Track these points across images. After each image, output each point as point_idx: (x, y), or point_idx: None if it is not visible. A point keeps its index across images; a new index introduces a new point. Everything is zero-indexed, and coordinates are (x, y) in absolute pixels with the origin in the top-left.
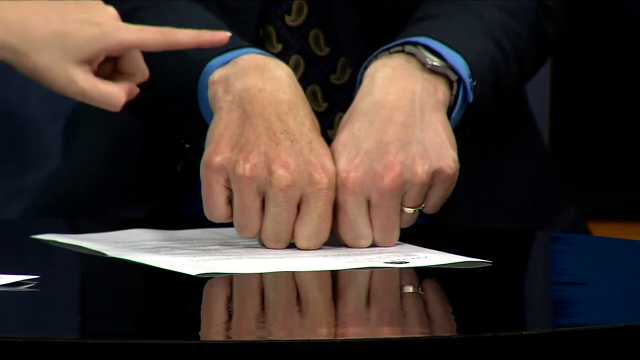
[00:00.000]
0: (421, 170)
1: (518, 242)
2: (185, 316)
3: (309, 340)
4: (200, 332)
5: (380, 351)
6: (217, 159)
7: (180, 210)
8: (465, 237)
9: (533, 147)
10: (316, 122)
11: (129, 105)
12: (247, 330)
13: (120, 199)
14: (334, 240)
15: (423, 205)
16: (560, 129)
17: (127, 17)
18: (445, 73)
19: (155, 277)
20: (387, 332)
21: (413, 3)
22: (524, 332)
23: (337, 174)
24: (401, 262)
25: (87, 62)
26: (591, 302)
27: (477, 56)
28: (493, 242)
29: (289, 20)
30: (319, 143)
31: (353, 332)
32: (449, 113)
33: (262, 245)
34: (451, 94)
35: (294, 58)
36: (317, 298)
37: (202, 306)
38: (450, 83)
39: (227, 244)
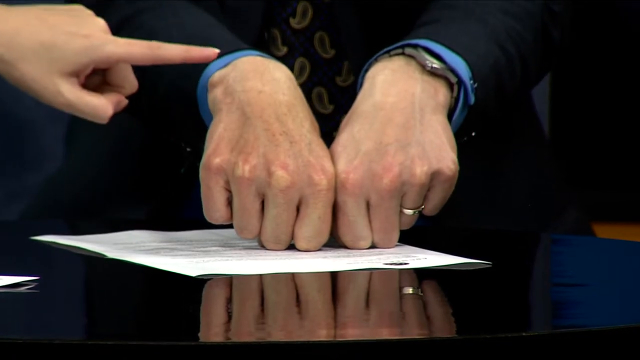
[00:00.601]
0: (420, 171)
1: (518, 243)
2: (184, 317)
3: (308, 341)
4: (199, 334)
5: (380, 352)
6: (216, 160)
7: (180, 211)
8: (465, 238)
9: (535, 148)
10: (315, 124)
11: (130, 108)
12: (246, 332)
13: (120, 201)
14: (334, 242)
15: (422, 207)
16: (561, 130)
17: (129, 21)
18: (445, 75)
19: (154, 278)
20: (386, 334)
21: (414, 5)
22: (523, 334)
23: (336, 175)
24: (401, 264)
25: (74, 74)
26: (591, 304)
27: (479, 59)
28: (493, 243)
29: (294, 22)
30: (318, 144)
31: (352, 333)
32: (450, 115)
33: (262, 246)
34: (452, 97)
35: (300, 61)
36: (317, 299)
37: (201, 307)
38: (450, 85)
39: (226, 245)
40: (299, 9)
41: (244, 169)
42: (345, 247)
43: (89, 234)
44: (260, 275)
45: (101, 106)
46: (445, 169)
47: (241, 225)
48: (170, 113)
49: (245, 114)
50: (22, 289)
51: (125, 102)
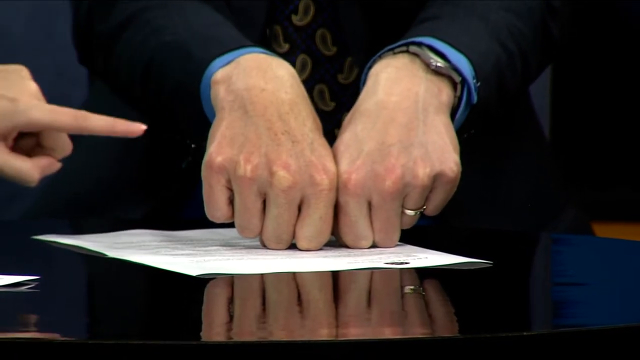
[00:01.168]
0: (423, 173)
1: (519, 243)
2: (186, 317)
3: (310, 340)
4: (201, 333)
5: (382, 352)
6: (219, 159)
7: (182, 210)
8: (466, 238)
9: (535, 147)
10: (318, 122)
11: (137, 105)
12: (248, 331)
13: (123, 199)
14: (335, 241)
15: (424, 207)
16: (561, 129)
17: (134, 18)
18: (449, 74)
19: (156, 277)
20: (388, 333)
21: (417, 2)
22: (524, 333)
23: (338, 175)
24: (402, 263)
25: (0, 137)
26: (591, 303)
27: (482, 57)
28: (494, 243)
29: (296, 19)
30: (321, 144)
31: (354, 332)
32: (453, 114)
33: (263, 246)
34: (455, 96)
35: (301, 58)
36: (318, 299)
37: (203, 307)
38: (454, 84)
39: (228, 244)
40: (301, 6)
41: (246, 169)
42: (346, 246)
43: (90, 234)
44: (262, 274)
45: (27, 170)
46: (447, 170)
47: (242, 225)
48: (174, 110)
49: (247, 112)
50: (23, 288)
51: (58, 165)
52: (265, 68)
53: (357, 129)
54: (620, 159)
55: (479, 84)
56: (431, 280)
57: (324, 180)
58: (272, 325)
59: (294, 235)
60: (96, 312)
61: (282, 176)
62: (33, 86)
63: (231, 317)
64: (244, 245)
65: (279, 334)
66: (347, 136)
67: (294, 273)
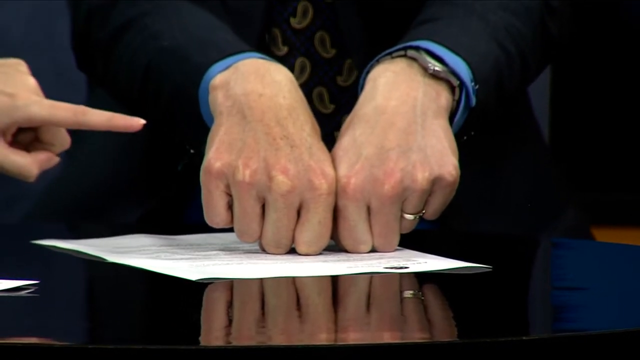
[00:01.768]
0: (422, 177)
1: (518, 247)
2: (185, 321)
3: (309, 345)
4: (200, 338)
5: (380, 356)
6: (217, 164)
7: (182, 214)
8: (465, 242)
9: (534, 149)
10: (316, 127)
11: (136, 110)
12: (247, 336)
13: (123, 203)
14: (334, 246)
15: (423, 211)
16: (561, 131)
17: (132, 23)
18: (447, 78)
19: (155, 282)
20: (387, 337)
21: (417, 3)
22: (524, 338)
23: (337, 180)
24: (401, 267)
25: None
26: (591, 307)
27: (480, 59)
28: (493, 247)
29: (295, 22)
30: (319, 148)
31: (353, 337)
32: (451, 118)
33: (263, 250)
34: (453, 99)
35: (300, 60)
36: (317, 303)
37: (202, 311)
38: (452, 88)
39: (227, 249)
40: (300, 8)
41: (245, 173)
42: (345, 251)
43: (90, 238)
44: (261, 279)
45: (26, 165)
46: (446, 174)
47: (241, 230)
48: (173, 115)
49: (245, 117)
50: (23, 292)
51: (56, 160)
52: (263, 73)
53: (355, 133)
54: (619, 162)
55: (477, 86)
56: (430, 285)
57: (322, 185)
58: (271, 329)
59: (293, 240)
60: (95, 317)
61: (281, 181)
62: (31, 81)
63: (230, 322)
64: (243, 250)
65: (278, 339)
66: (346, 141)
67: (293, 277)
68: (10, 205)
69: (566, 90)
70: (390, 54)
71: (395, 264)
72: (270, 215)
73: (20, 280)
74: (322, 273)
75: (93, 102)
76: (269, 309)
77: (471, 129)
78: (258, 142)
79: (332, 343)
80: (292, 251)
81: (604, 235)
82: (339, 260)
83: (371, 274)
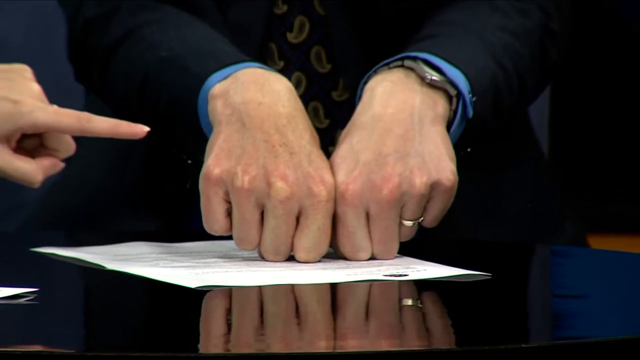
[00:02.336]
0: (419, 182)
1: (517, 255)
2: (184, 329)
3: (307, 353)
4: (199, 345)
5: None
6: (216, 171)
7: (182, 223)
8: (464, 250)
9: (533, 161)
10: (315, 136)
11: (134, 121)
12: (246, 343)
13: (122, 211)
14: (333, 253)
15: (422, 218)
16: (559, 141)
17: (132, 34)
18: (444, 88)
19: (154, 289)
20: (386, 345)
21: (409, 20)
22: (523, 345)
23: (336, 187)
24: (400, 275)
25: (3, 138)
26: (590, 315)
27: (478, 73)
28: (492, 255)
29: (291, 37)
30: (318, 156)
31: (352, 344)
32: (448, 128)
33: (262, 258)
34: (450, 109)
35: (296, 75)
36: (316, 311)
37: (201, 319)
38: (449, 98)
39: (226, 256)
40: (296, 23)
41: (244, 180)
42: (344, 258)
43: (88, 245)
44: (260, 286)
45: (31, 171)
46: (444, 179)
47: (240, 237)
48: (171, 125)
49: (244, 125)
50: (22, 300)
51: (61, 165)
52: (262, 82)
53: (353, 141)
54: (616, 171)
55: (474, 98)
56: (430, 292)
57: (321, 192)
58: (270, 337)
59: (292, 247)
60: (94, 324)
61: (280, 187)
62: (36, 87)
63: (229, 329)
64: (242, 257)
65: (277, 346)
66: (344, 148)
67: (292, 285)
68: (9, 213)
69: (565, 100)
70: (387, 64)
71: (394, 272)
72: (269, 222)
73: (19, 288)
74: (321, 280)
75: (91, 111)
76: (267, 317)
77: (469, 143)
78: (257, 149)
79: (331, 350)
80: (291, 259)
81: (599, 244)
82: (338, 268)
83: (370, 282)
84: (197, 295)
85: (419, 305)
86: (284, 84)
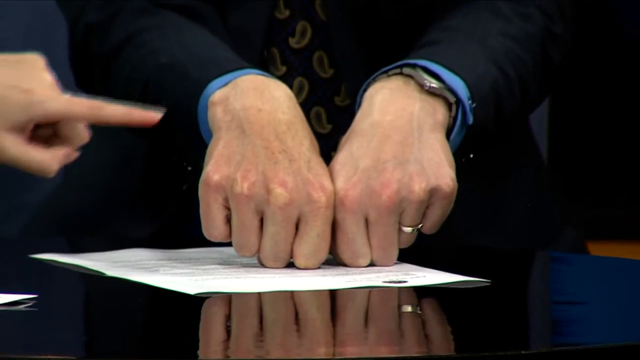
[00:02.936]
0: (419, 188)
1: (517, 261)
2: (184, 335)
3: (307, 359)
4: (198, 352)
5: None
6: (216, 177)
7: (182, 229)
8: (464, 256)
9: (533, 169)
10: (315, 143)
11: (134, 128)
12: (245, 350)
13: (122, 215)
14: (333, 260)
15: (421, 224)
16: (559, 148)
17: (132, 39)
18: (443, 95)
19: (154, 296)
20: (385, 351)
21: (411, 25)
22: (522, 352)
23: (335, 193)
24: (400, 282)
25: (17, 129)
26: (590, 322)
27: (478, 79)
28: (492, 261)
29: (293, 42)
30: (318, 162)
31: (351, 351)
32: (448, 135)
33: (261, 264)
34: (450, 116)
35: (298, 80)
36: (315, 317)
37: (200, 325)
38: (449, 105)
39: (226, 263)
40: (298, 28)
41: (243, 186)
42: (344, 265)
43: (88, 252)
44: (259, 293)
45: (46, 161)
46: (443, 185)
47: (240, 243)
48: (171, 132)
49: (244, 131)
50: (21, 306)
51: (75, 154)
52: (262, 89)
53: (352, 148)
54: (616, 177)
55: (474, 105)
56: (429, 299)
57: (321, 198)
58: (269, 343)
59: (291, 254)
60: (94, 331)
61: (279, 193)
62: (48, 77)
63: (229, 336)
64: (242, 264)
65: (277, 353)
66: (343, 155)
67: (291, 292)
68: (10, 216)
69: (564, 107)
70: (386, 72)
71: (394, 278)
72: (269, 229)
73: (18, 295)
74: (321, 287)
75: None
76: (267, 323)
77: (470, 150)
78: (257, 155)
79: (330, 357)
80: (290, 265)
81: (599, 250)
82: (337, 275)
83: (370, 288)
84: (197, 302)
85: (419, 312)
86: (284, 90)
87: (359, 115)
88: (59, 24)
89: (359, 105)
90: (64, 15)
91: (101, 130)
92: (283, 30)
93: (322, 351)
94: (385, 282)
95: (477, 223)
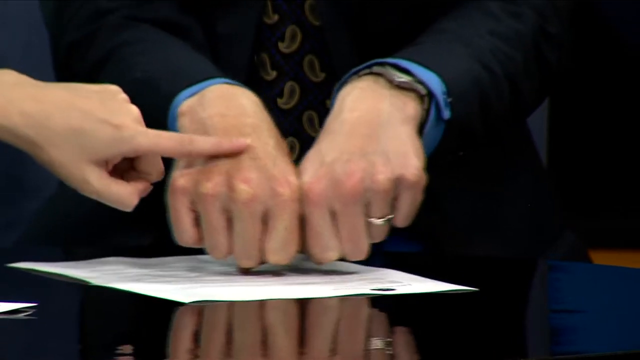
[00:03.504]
0: (382, 177)
1: (515, 269)
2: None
3: None
4: None
5: None
6: (180, 181)
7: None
8: (462, 265)
9: (531, 171)
10: (283, 145)
11: None
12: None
13: (119, 227)
14: (321, 269)
15: (392, 216)
16: (559, 155)
17: (112, 54)
18: (414, 88)
19: (151, 305)
20: None
21: (406, 27)
22: None
23: (301, 188)
24: (388, 289)
25: (102, 162)
26: (590, 330)
27: (457, 75)
28: (491, 269)
29: (283, 47)
30: (284, 161)
31: None
32: (423, 128)
33: (240, 268)
34: (423, 109)
35: (289, 84)
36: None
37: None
38: (421, 98)
39: (207, 270)
40: (288, 33)
41: (207, 186)
42: (316, 262)
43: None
44: (234, 302)
45: (127, 195)
46: (408, 175)
47: (211, 245)
48: None
49: (209, 136)
50: (21, 315)
51: (151, 188)
52: (228, 97)
53: (320, 145)
54: (617, 186)
55: (450, 99)
56: (426, 307)
57: (285, 191)
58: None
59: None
60: (93, 340)
61: (242, 189)
62: (135, 110)
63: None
64: (222, 272)
65: None
66: (311, 153)
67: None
68: (8, 227)
69: (564, 115)
70: (357, 72)
71: (382, 286)
72: (236, 227)
73: (18, 303)
74: (309, 295)
75: None
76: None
77: (456, 147)
78: (221, 157)
79: None
80: (279, 273)
81: (600, 259)
82: (325, 283)
83: (358, 296)
84: (192, 311)
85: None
86: (250, 98)
87: (329, 117)
88: None
89: (332, 107)
90: (48, 34)
91: None
92: (272, 35)
93: None
94: (373, 290)
95: (475, 227)
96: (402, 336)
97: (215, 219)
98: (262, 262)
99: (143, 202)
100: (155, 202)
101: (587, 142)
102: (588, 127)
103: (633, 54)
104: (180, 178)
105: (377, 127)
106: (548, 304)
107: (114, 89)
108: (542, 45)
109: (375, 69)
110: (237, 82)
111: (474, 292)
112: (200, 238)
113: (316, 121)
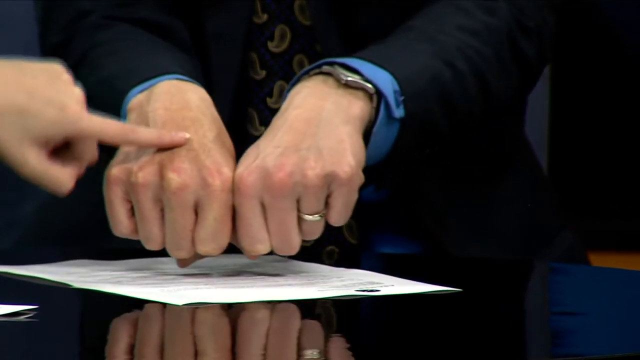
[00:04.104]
0: (312, 173)
1: (515, 272)
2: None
3: None
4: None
5: None
6: (114, 171)
7: None
8: (462, 266)
9: (528, 172)
10: (224, 139)
11: None
12: None
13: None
14: (303, 271)
15: (324, 212)
16: (559, 158)
17: (85, 56)
18: (362, 87)
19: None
20: None
21: (396, 27)
22: None
23: (233, 179)
24: (372, 290)
25: (42, 143)
26: (590, 333)
27: (412, 73)
28: (490, 271)
29: (272, 46)
30: (219, 152)
31: None
32: (372, 127)
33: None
34: (372, 107)
35: (279, 84)
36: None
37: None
38: (370, 97)
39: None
40: (277, 32)
41: (138, 176)
42: (248, 254)
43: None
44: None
45: (65, 179)
46: (340, 172)
47: (144, 236)
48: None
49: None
50: (22, 317)
51: (83, 172)
52: (174, 92)
53: (260, 141)
54: (617, 187)
55: (402, 97)
56: (424, 308)
57: (215, 182)
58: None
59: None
60: (94, 343)
61: (172, 178)
62: (78, 92)
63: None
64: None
65: None
66: (251, 148)
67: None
68: (7, 229)
69: (565, 116)
70: (307, 72)
71: (366, 287)
72: (167, 216)
73: (19, 305)
74: (294, 297)
75: None
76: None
77: (417, 145)
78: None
79: None
80: (269, 276)
81: (600, 261)
82: (307, 284)
83: (342, 297)
84: (188, 313)
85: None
86: (198, 94)
87: (276, 115)
88: None
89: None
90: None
91: None
92: (262, 35)
93: None
94: (357, 291)
95: (472, 229)
96: (397, 340)
97: (147, 209)
98: (197, 255)
99: None
100: None
101: (587, 143)
102: (588, 128)
103: (633, 54)
104: (114, 168)
105: (316, 124)
106: (548, 306)
107: (59, 68)
108: (519, 40)
109: (325, 68)
110: (190, 79)
111: (473, 293)
112: (136, 229)
113: None
